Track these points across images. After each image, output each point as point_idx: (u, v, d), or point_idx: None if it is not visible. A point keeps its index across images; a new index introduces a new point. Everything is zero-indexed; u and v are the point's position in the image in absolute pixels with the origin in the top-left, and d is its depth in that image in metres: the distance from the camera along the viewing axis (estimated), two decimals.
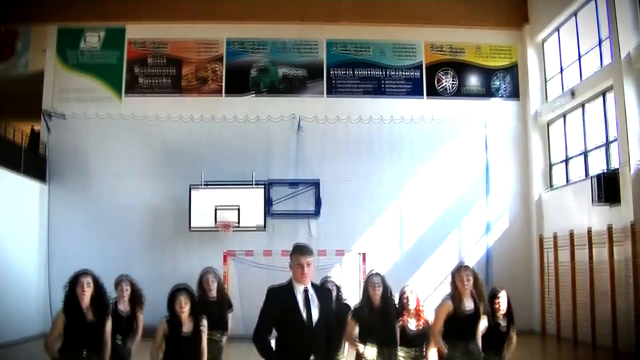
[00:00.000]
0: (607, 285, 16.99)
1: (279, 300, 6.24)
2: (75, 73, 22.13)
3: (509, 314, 8.62)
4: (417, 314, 8.73)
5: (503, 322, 8.54)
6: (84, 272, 7.48)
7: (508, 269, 20.00)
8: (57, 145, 21.58)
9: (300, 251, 6.29)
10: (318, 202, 21.02)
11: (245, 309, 18.05)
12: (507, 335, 8.61)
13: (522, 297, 19.79)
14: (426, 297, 17.24)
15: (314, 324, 6.18)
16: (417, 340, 8.60)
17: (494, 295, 8.63)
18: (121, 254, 19.17)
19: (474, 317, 7.75)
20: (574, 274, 18.84)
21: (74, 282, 7.33)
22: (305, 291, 6.26)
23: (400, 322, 8.49)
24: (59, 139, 21.59)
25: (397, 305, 8.56)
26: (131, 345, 9.33)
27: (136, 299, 9.37)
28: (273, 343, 6.29)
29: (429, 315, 8.78)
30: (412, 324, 8.63)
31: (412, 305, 8.70)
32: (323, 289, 7.21)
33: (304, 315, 6.17)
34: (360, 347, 8.00)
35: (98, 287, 7.45)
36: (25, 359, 16.26)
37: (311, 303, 6.23)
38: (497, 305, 8.50)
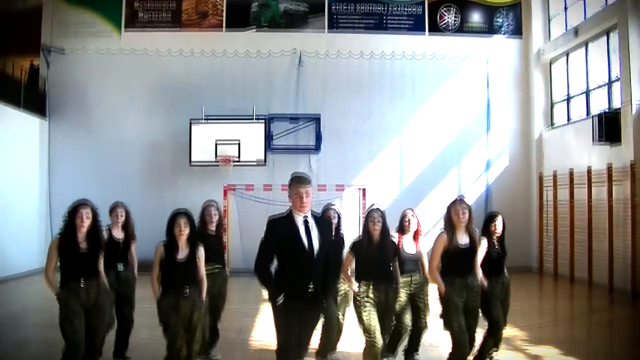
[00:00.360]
0: (605, 224, 17.15)
1: (280, 229, 6.30)
2: (74, 7, 21.80)
3: (502, 238, 8.74)
4: (416, 237, 8.83)
5: (498, 245, 8.65)
6: (83, 203, 7.40)
7: (507, 206, 19.90)
8: (57, 80, 21.46)
9: (299, 181, 6.35)
10: (318, 137, 21.02)
11: (245, 244, 18.30)
12: (505, 258, 8.73)
13: (521, 234, 20.03)
14: (426, 232, 17.46)
15: (315, 253, 6.27)
16: (411, 265, 8.74)
17: (491, 218, 8.73)
18: (121, 189, 19.03)
19: (470, 251, 7.75)
20: (572, 212, 18.96)
21: (73, 213, 7.30)
22: (305, 220, 6.32)
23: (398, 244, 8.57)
24: (58, 74, 21.46)
25: (394, 241, 8.57)
26: (133, 272, 9.38)
27: (129, 228, 9.35)
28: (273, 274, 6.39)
29: (424, 243, 8.96)
30: (408, 247, 8.75)
31: (412, 228, 8.80)
32: (322, 219, 7.25)
33: (305, 243, 6.24)
34: (355, 285, 8.02)
35: (95, 219, 7.43)
36: (28, 293, 16.41)
37: (311, 232, 6.30)
38: (493, 228, 8.60)
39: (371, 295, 7.86)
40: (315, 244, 6.28)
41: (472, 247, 7.74)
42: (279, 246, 6.28)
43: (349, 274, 8.29)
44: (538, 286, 19.18)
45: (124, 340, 9.25)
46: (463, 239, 7.68)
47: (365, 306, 7.84)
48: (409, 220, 8.80)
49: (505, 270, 8.81)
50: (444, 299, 7.69)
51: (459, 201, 7.84)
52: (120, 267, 9.03)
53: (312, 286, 6.23)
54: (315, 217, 6.50)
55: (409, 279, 8.70)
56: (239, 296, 15.56)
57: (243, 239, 19.10)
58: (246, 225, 19.22)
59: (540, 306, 15.94)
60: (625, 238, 16.28)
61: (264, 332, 11.17)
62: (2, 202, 18.17)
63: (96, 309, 7.32)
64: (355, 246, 8.16)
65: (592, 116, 17.67)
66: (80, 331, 7.11)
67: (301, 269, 6.23)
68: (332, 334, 8.87)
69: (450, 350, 7.64)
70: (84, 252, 7.27)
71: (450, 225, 7.77)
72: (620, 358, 10.23)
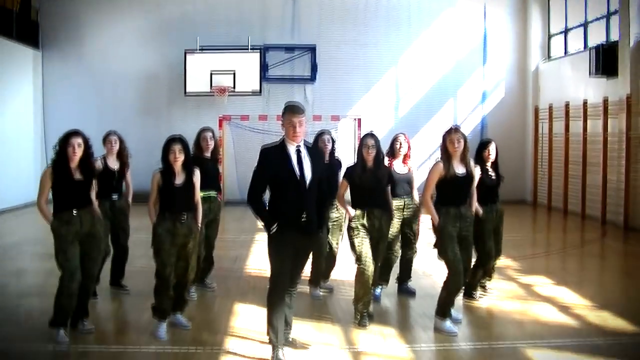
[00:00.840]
0: (600, 157, 17.15)
1: (272, 158, 6.30)
2: None
3: (496, 164, 8.77)
4: (405, 160, 8.90)
5: (492, 172, 8.68)
6: (74, 132, 7.27)
7: (503, 138, 19.69)
8: (49, 10, 21.13)
9: (292, 110, 6.30)
10: (314, 67, 20.92)
11: (241, 174, 18.38)
12: (499, 185, 8.77)
13: (516, 167, 20.11)
14: (420, 164, 17.52)
15: (306, 183, 6.29)
16: (404, 188, 8.81)
17: (484, 145, 8.74)
18: (117, 120, 18.79)
19: (466, 180, 7.72)
20: (567, 145, 18.96)
21: (65, 142, 7.21)
22: (298, 150, 6.32)
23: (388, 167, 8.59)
24: (51, 4, 21.11)
25: (386, 158, 8.59)
26: (127, 200, 9.38)
27: (124, 156, 9.29)
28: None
29: (414, 164, 9.09)
30: (398, 168, 8.81)
31: (403, 151, 8.84)
32: (315, 149, 7.23)
33: (297, 173, 6.25)
34: (351, 210, 8.02)
35: (87, 148, 7.35)
36: (24, 225, 16.51)
37: (303, 161, 6.30)
38: (486, 154, 8.61)
39: (365, 221, 7.89)
40: (307, 174, 6.29)
41: (469, 177, 7.71)
42: (271, 175, 6.30)
43: (344, 199, 8.31)
44: (532, 218, 19.32)
45: (120, 269, 9.34)
46: (460, 169, 7.62)
47: (359, 233, 7.85)
48: (400, 142, 8.83)
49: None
50: (437, 229, 7.70)
51: (453, 130, 7.75)
52: (115, 196, 9.03)
53: (305, 216, 6.28)
54: (307, 147, 6.50)
55: (402, 202, 8.77)
56: (234, 226, 15.67)
57: (238, 168, 19.24)
58: (241, 155, 19.45)
59: (533, 237, 16.14)
60: (619, 171, 16.32)
61: (258, 261, 11.31)
62: None
63: (91, 237, 7.29)
64: (349, 173, 8.15)
65: (590, 49, 17.47)
66: (74, 259, 7.07)
67: (293, 198, 6.26)
68: (323, 261, 8.97)
69: (445, 279, 7.69)
70: (79, 180, 7.23)
71: (446, 154, 7.71)
72: (610, 287, 10.37)
